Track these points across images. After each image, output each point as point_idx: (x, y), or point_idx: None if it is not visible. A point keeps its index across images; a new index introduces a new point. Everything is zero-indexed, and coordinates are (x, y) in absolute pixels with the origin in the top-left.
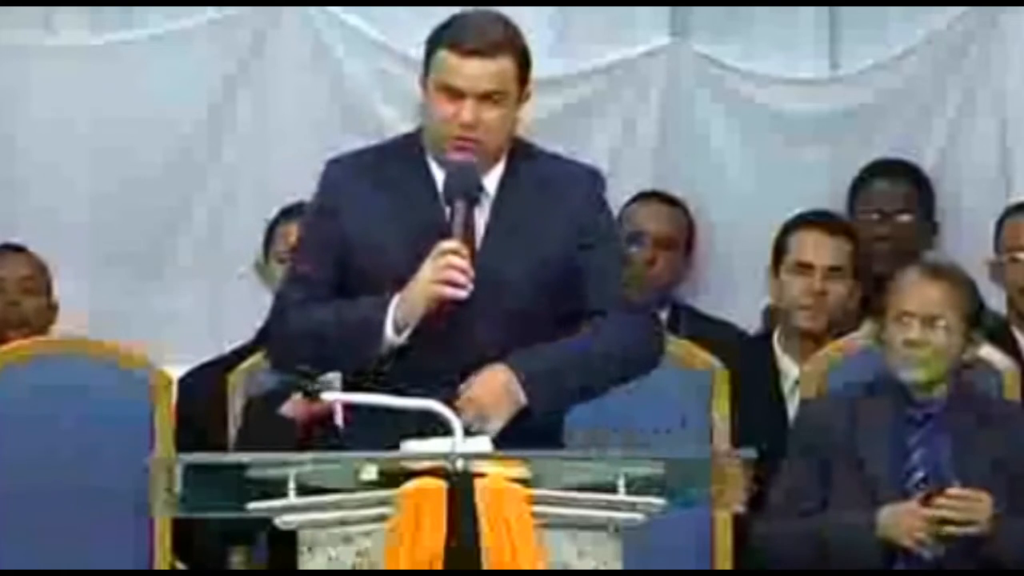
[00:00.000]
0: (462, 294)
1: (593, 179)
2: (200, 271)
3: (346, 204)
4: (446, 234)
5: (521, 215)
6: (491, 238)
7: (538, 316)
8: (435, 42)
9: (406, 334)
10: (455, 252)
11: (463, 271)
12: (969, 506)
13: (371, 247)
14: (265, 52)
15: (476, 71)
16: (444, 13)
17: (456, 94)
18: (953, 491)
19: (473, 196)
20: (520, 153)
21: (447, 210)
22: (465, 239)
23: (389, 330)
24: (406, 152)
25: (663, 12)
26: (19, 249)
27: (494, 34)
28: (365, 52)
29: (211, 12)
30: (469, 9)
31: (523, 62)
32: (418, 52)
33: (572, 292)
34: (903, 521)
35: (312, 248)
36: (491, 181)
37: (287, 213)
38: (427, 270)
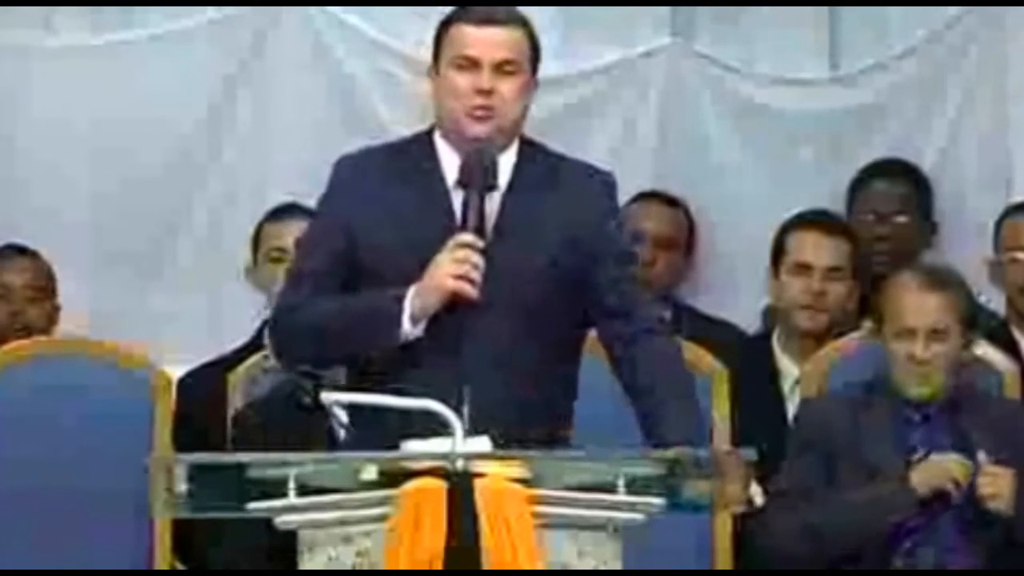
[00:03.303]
0: (475, 294)
1: (610, 188)
2: (200, 271)
3: (356, 200)
4: (456, 230)
5: (534, 211)
6: (503, 231)
7: (549, 312)
8: (447, 23)
9: (422, 326)
10: (471, 247)
11: (477, 267)
12: (995, 482)
13: (377, 247)
14: (265, 52)
15: (491, 38)
16: (444, 13)
17: (472, 64)
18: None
19: (490, 183)
20: (532, 149)
21: (460, 196)
22: (477, 229)
23: (407, 322)
24: (417, 148)
25: (663, 12)
26: (24, 251)
27: (506, 10)
28: (365, 52)
29: (211, 12)
30: None
31: (534, 43)
32: (418, 52)
33: (587, 295)
34: (934, 468)
35: (319, 244)
36: (503, 173)
37: (276, 213)
38: (444, 262)
